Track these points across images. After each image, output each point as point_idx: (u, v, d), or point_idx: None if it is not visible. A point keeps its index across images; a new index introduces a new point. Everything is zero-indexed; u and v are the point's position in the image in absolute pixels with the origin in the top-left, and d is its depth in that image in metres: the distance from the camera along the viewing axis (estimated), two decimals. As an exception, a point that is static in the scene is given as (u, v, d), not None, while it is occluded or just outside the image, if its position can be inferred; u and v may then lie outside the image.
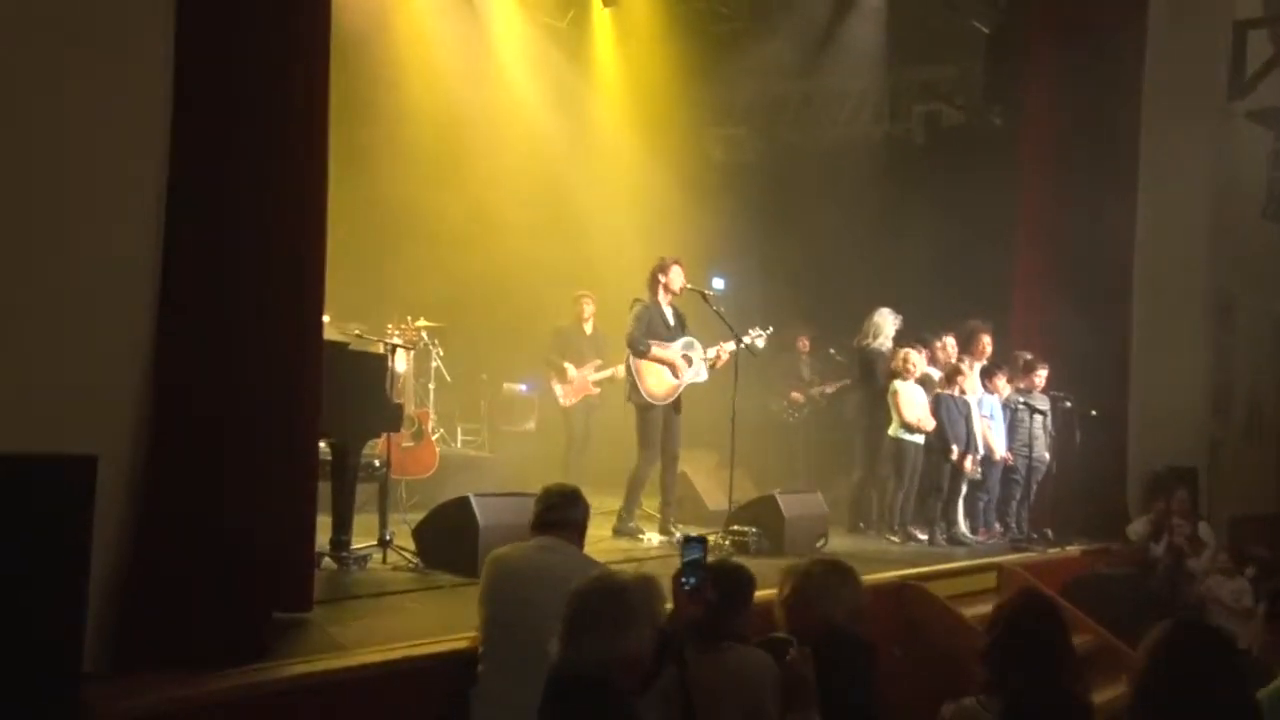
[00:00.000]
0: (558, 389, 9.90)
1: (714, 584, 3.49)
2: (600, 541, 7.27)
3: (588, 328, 10.03)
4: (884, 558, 7.69)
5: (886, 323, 9.26)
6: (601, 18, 11.87)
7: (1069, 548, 9.14)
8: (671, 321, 8.00)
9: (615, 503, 9.34)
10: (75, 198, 3.82)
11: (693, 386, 8.07)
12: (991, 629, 3.52)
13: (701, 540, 3.52)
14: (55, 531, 3.11)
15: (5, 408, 3.53)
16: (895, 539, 8.62)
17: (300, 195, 4.53)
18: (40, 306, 3.70)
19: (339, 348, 6.12)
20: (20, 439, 3.27)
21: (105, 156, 3.89)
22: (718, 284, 11.68)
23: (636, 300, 7.95)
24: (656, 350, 7.81)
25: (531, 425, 10.91)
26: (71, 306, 3.78)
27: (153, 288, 4.00)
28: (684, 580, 3.32)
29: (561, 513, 4.34)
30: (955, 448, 8.72)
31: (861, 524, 9.07)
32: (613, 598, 3.05)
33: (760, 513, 7.69)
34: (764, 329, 8.26)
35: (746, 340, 8.00)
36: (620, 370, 9.55)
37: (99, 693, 3.44)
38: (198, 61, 4.11)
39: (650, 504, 8.20)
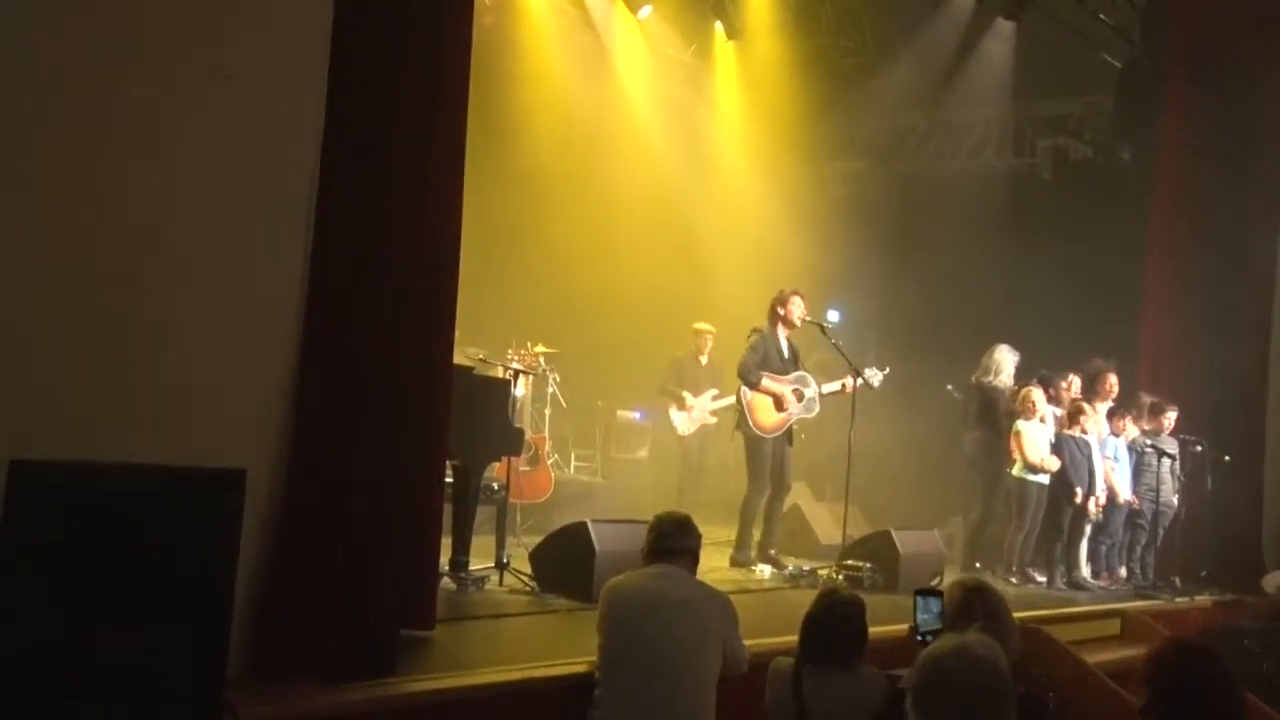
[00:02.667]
0: (676, 417, 9.97)
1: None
2: (712, 571, 7.30)
3: (703, 359, 10.10)
4: (1003, 600, 7.55)
5: (1006, 360, 9.15)
6: (724, 51, 11.99)
7: (1198, 598, 8.85)
8: (786, 354, 8.02)
9: (727, 532, 9.38)
10: (227, 216, 4.03)
11: (806, 420, 8.08)
12: (1151, 684, 3.18)
13: (938, 595, 3.46)
14: (207, 542, 3.28)
15: (161, 420, 3.75)
16: (1014, 580, 8.46)
17: (439, 224, 4.69)
18: (194, 322, 3.92)
19: (465, 372, 6.26)
20: (173, 451, 3.47)
21: (259, 188, 4.11)
22: (833, 317, 11.66)
23: (754, 330, 8.01)
24: (767, 382, 7.84)
25: (644, 453, 11.00)
26: (225, 334, 3.99)
27: (298, 309, 4.20)
28: (920, 636, 3.27)
29: (675, 540, 4.39)
30: (1079, 489, 8.54)
31: (978, 564, 8.93)
32: (978, 673, 2.59)
33: (875, 548, 7.64)
34: (881, 368, 8.25)
35: (863, 378, 8.00)
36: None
37: (239, 697, 3.60)
38: (348, 96, 4.31)
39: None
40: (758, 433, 7.85)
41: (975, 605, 3.72)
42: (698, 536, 4.46)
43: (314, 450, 4.15)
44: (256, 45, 4.13)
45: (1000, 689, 2.55)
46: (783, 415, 7.90)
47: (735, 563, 7.85)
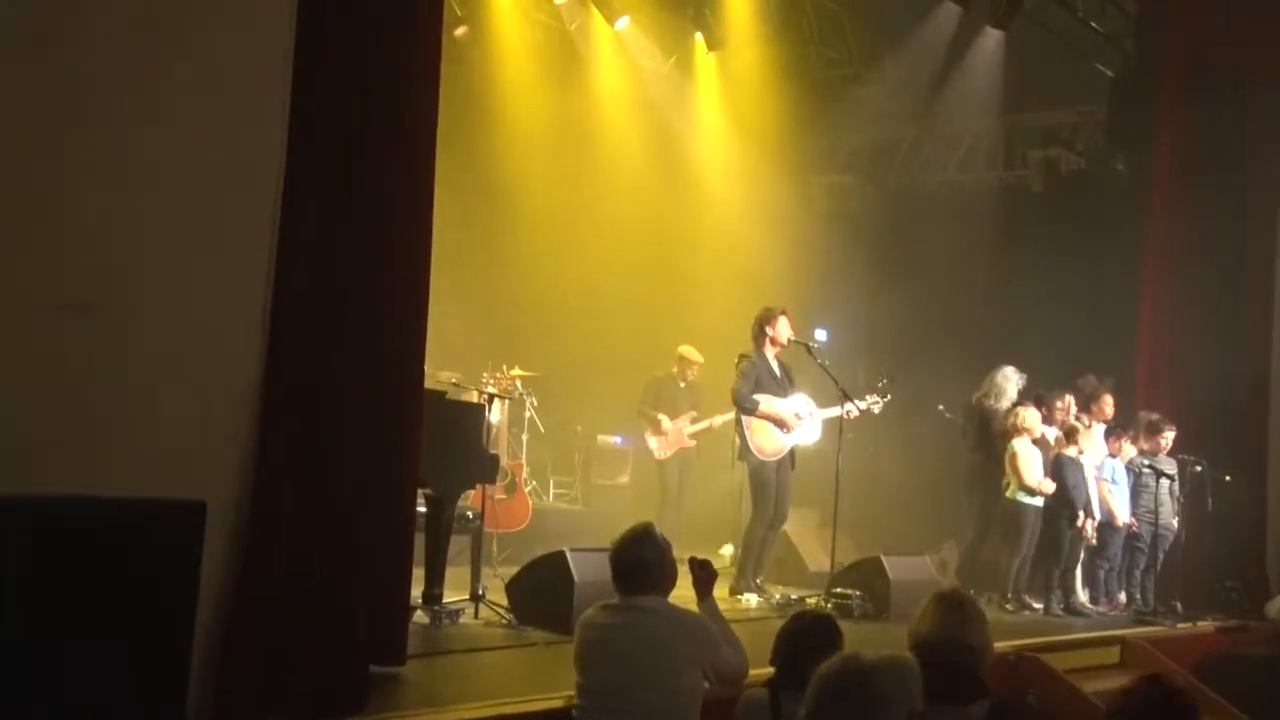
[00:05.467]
0: (652, 441, 10.00)
1: None
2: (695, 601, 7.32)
3: (683, 381, 10.14)
4: (997, 627, 7.45)
5: (1010, 384, 9.20)
6: (705, 62, 12.06)
7: (1201, 623, 8.89)
8: (779, 375, 8.05)
9: (712, 560, 9.37)
10: (188, 245, 4.04)
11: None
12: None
13: None
14: (166, 577, 3.29)
15: (118, 451, 3.75)
16: (1009, 607, 8.49)
17: (409, 244, 4.72)
18: (153, 356, 3.92)
19: (437, 397, 6.28)
20: (130, 482, 3.48)
21: (219, 212, 4.13)
22: (820, 336, 11.70)
23: (743, 356, 8.01)
24: (765, 406, 7.86)
25: (625, 479, 11.01)
26: (181, 357, 4.00)
27: (261, 337, 4.21)
28: None
29: (638, 577, 4.26)
30: (1077, 512, 8.58)
31: (973, 590, 8.93)
32: (860, 684, 2.82)
33: (864, 575, 7.67)
34: (882, 395, 8.29)
35: (863, 405, 8.04)
36: (717, 421, 9.66)
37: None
38: (312, 110, 4.33)
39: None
40: (760, 458, 7.87)
41: (944, 604, 3.78)
42: (658, 560, 4.29)
43: (279, 480, 4.16)
44: (217, 61, 4.15)
45: (884, 701, 2.73)
46: (785, 439, 7.92)
47: (735, 591, 7.86)
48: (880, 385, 8.42)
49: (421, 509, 6.10)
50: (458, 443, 6.27)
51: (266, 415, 4.19)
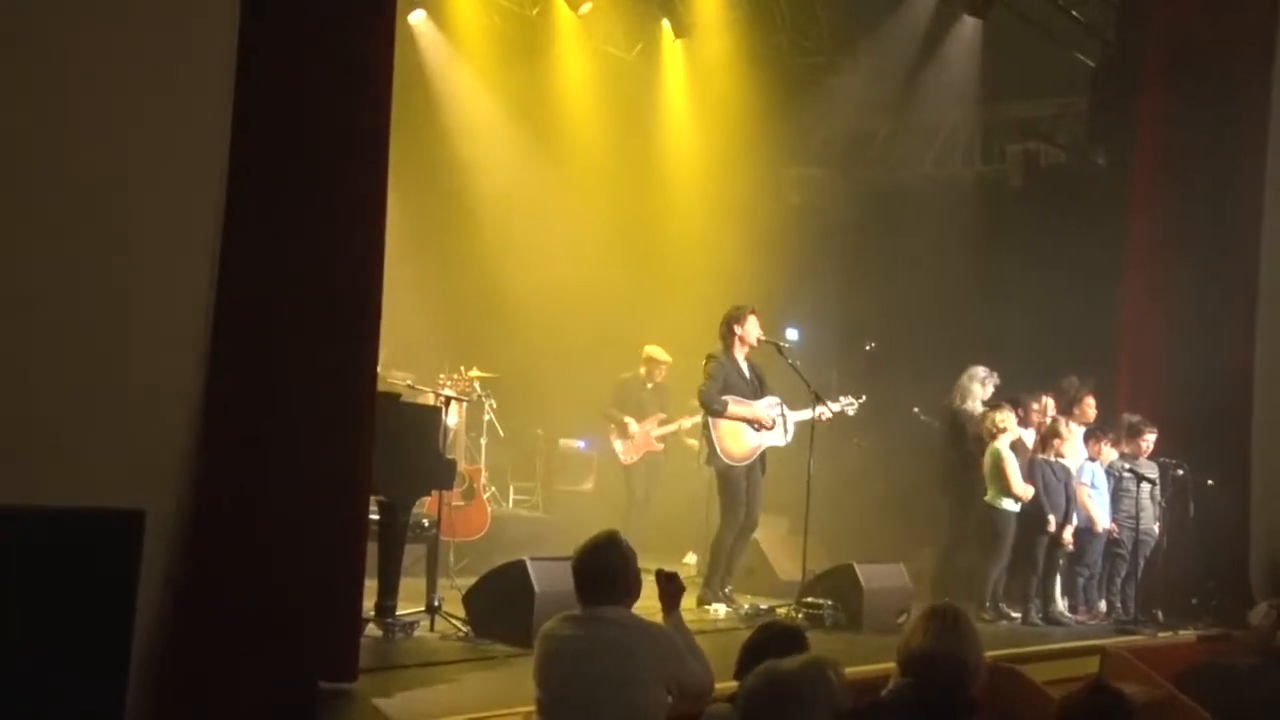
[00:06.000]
0: (618, 445, 10.00)
1: None
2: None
3: (651, 383, 10.14)
4: (974, 638, 7.62)
5: (976, 383, 9.26)
6: (672, 50, 12.07)
7: (1182, 632, 8.97)
8: (749, 376, 8.06)
9: (676, 569, 9.36)
10: (127, 245, 4.01)
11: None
12: None
13: None
14: (101, 590, 3.25)
15: (51, 460, 3.70)
16: (986, 616, 8.53)
17: (360, 241, 4.70)
18: (88, 355, 3.88)
19: (391, 399, 6.25)
20: (65, 492, 3.43)
21: (158, 204, 4.09)
22: (791, 335, 11.73)
23: (710, 357, 8.00)
24: (734, 407, 7.86)
25: (589, 485, 11.00)
26: (118, 357, 3.96)
27: (203, 339, 4.18)
28: None
29: (600, 586, 4.25)
30: (1053, 518, 8.64)
31: (948, 599, 9.00)
32: (781, 696, 3.03)
33: (837, 584, 7.69)
34: (857, 398, 8.34)
35: (836, 407, 8.07)
36: (685, 423, 9.66)
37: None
38: (258, 100, 4.31)
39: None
40: (729, 462, 7.87)
41: (938, 619, 3.81)
42: (621, 569, 4.28)
43: (222, 488, 4.13)
44: (158, 55, 4.12)
45: (807, 707, 2.97)
46: (755, 442, 7.93)
47: (702, 601, 7.86)
48: (837, 384, 8.47)
49: (375, 517, 6.10)
50: (412, 447, 6.24)
51: (209, 422, 4.16)
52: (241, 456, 4.22)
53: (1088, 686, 3.72)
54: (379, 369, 6.27)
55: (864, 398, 8.47)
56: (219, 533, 4.10)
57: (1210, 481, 9.36)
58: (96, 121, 3.94)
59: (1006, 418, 8.70)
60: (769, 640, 4.15)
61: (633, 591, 4.35)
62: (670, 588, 4.58)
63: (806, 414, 8.03)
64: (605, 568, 4.27)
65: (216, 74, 4.21)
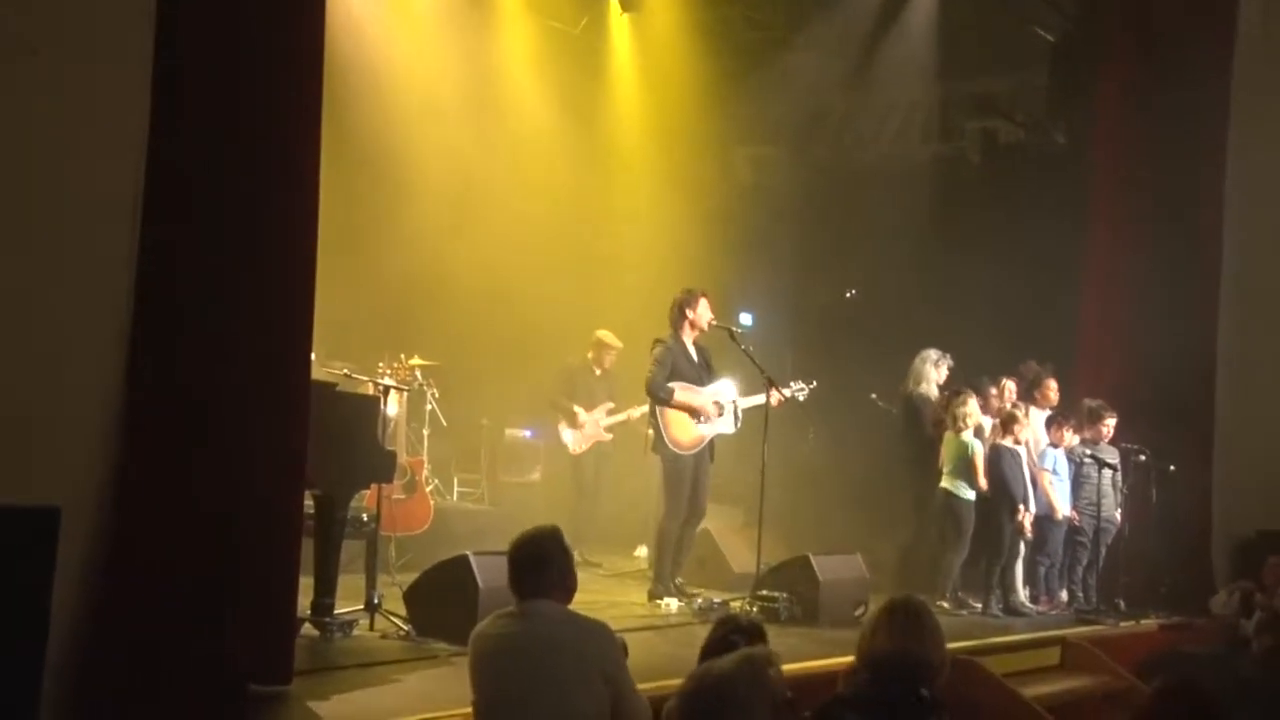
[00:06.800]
0: (566, 435, 9.98)
1: None
2: (616, 607, 7.33)
3: (599, 369, 10.12)
4: (934, 629, 7.67)
5: (929, 365, 9.31)
6: (620, 24, 12.02)
7: (1144, 621, 9.09)
8: (697, 361, 8.05)
9: (627, 562, 9.37)
10: (41, 238, 3.93)
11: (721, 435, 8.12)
12: None
13: None
14: (13, 588, 3.18)
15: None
16: (947, 607, 8.59)
17: (291, 223, 4.64)
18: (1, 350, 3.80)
19: (326, 389, 6.19)
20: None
21: (74, 194, 4.00)
22: (745, 320, 11.74)
23: (657, 342, 7.99)
24: (681, 395, 7.85)
25: (536, 476, 10.97)
26: (30, 349, 3.87)
27: (123, 329, 4.10)
28: None
29: (534, 577, 4.23)
30: (1019, 506, 8.71)
31: (908, 592, 9.03)
32: (716, 699, 3.05)
33: (793, 576, 7.70)
34: (808, 382, 8.35)
35: (788, 392, 8.07)
36: (635, 413, 9.65)
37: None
38: (180, 71, 4.22)
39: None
40: (676, 451, 7.86)
41: (899, 614, 3.82)
42: (560, 562, 4.28)
43: (145, 482, 4.07)
44: (75, 41, 4.02)
45: (743, 707, 3.04)
46: (701, 431, 7.92)
47: (654, 596, 7.85)
48: (792, 370, 8.48)
49: (310, 512, 6.03)
50: (349, 439, 6.18)
51: (132, 414, 4.09)
52: (166, 450, 4.15)
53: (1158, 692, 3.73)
54: (314, 358, 6.24)
55: (815, 383, 8.47)
56: (141, 529, 4.03)
57: (1172, 468, 9.47)
58: (7, 109, 3.84)
59: (973, 410, 8.71)
60: (730, 638, 4.13)
61: (568, 586, 4.33)
62: None
63: (758, 399, 8.03)
64: (543, 556, 4.26)
65: (134, 45, 4.12)
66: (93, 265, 4.09)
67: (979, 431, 8.89)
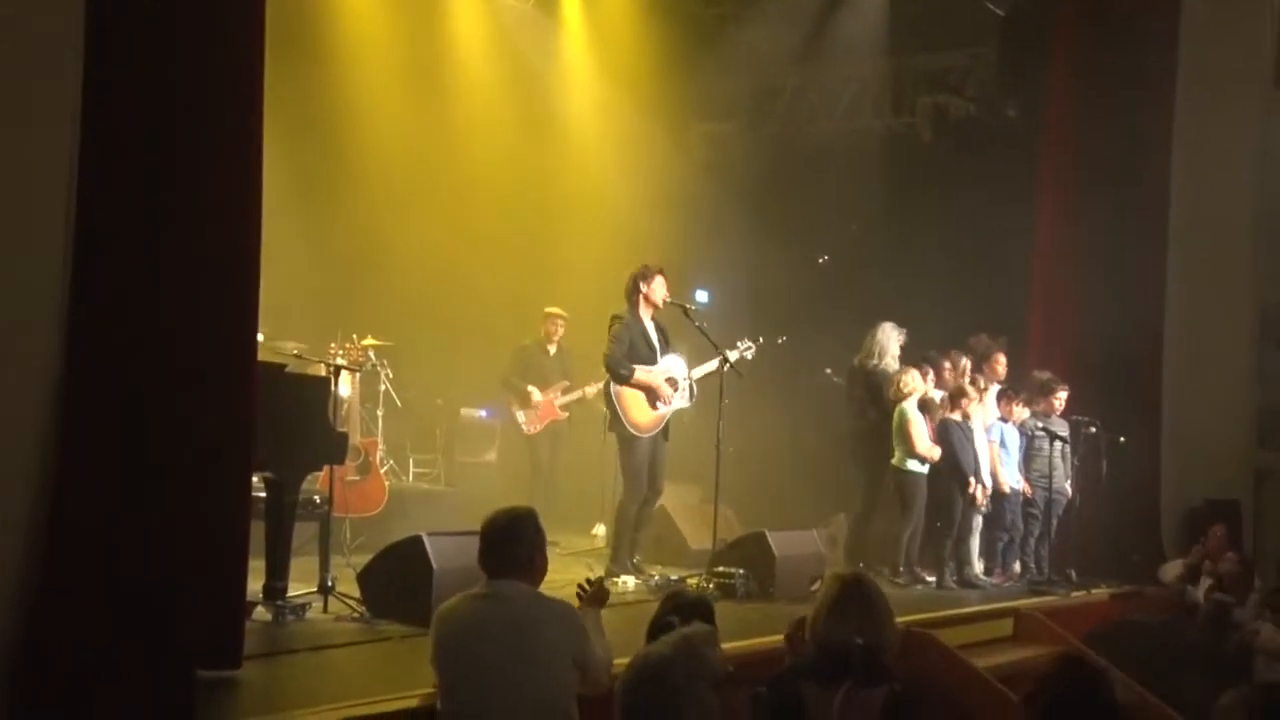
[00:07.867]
0: (520, 415, 9.95)
1: None
2: (574, 585, 7.27)
3: (552, 348, 10.09)
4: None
5: (891, 340, 9.32)
6: (572, 0, 11.92)
7: (1095, 591, 9.19)
8: (654, 338, 8.02)
9: (585, 541, 9.35)
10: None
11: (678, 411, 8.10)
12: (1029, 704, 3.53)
13: None
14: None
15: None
16: (900, 581, 8.65)
17: (235, 196, 4.55)
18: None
19: (275, 370, 6.12)
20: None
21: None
22: (701, 298, 11.72)
23: (615, 318, 7.93)
24: (640, 375, 7.81)
25: (492, 456, 10.93)
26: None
27: (60, 309, 4.01)
28: None
29: (503, 552, 4.26)
30: (972, 479, 8.75)
31: (861, 564, 9.10)
32: (656, 685, 3.08)
33: (748, 552, 7.72)
34: (753, 339, 8.33)
35: (734, 356, 8.05)
36: (590, 391, 9.62)
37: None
38: (113, 37, 4.11)
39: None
40: (633, 432, 7.83)
41: (851, 599, 3.82)
42: (532, 541, 4.31)
43: (84, 463, 3.99)
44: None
45: (682, 691, 3.14)
46: (659, 411, 7.90)
47: (610, 574, 7.82)
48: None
49: (260, 494, 5.98)
50: (299, 421, 6.11)
51: (69, 389, 4.01)
52: (105, 433, 4.07)
53: (1060, 659, 3.82)
54: (261, 338, 6.16)
55: (761, 339, 8.43)
56: (83, 512, 3.96)
57: (1122, 439, 9.56)
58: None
59: (913, 379, 8.77)
60: (674, 614, 4.13)
61: (538, 567, 4.34)
62: (596, 593, 4.70)
63: (709, 366, 8.02)
64: (516, 534, 4.27)
65: (65, 13, 4.01)
66: (26, 244, 3.99)
67: (928, 405, 8.93)
